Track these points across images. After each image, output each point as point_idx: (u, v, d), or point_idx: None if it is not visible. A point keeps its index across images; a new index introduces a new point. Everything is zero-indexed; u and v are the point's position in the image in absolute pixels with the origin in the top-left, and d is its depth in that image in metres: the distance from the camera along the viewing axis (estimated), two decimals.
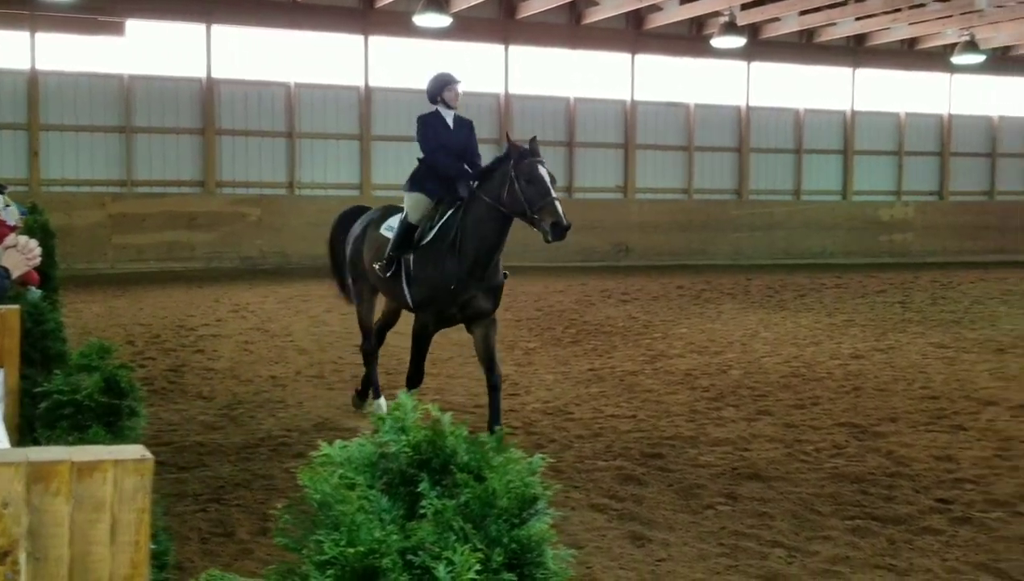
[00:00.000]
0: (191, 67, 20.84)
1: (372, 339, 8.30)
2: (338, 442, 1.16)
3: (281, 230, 21.29)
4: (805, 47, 25.67)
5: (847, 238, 26.26)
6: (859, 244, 26.24)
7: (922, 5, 21.42)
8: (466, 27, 21.92)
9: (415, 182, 7.54)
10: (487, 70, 23.15)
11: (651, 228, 24.43)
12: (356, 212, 8.69)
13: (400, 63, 22.35)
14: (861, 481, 6.35)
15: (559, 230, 6.68)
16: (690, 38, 24.59)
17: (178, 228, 20.59)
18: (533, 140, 7.06)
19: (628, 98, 24.67)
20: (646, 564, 4.87)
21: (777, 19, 23.49)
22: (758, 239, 25.23)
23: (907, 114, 27.48)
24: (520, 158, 6.87)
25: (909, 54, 26.70)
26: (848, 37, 25.44)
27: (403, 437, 1.11)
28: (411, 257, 7.28)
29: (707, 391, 9.22)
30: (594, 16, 23.11)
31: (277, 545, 1.15)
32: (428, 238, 7.21)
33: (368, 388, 8.27)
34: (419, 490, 1.09)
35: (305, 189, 22.01)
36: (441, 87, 7.52)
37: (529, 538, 1.03)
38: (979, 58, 23.17)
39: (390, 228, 7.61)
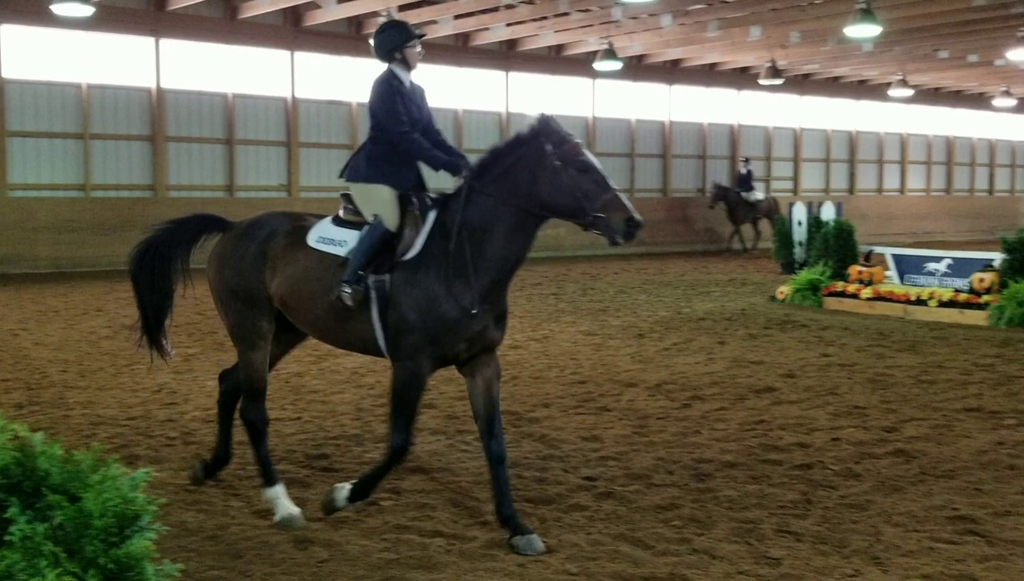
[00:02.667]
0: None
1: (264, 404, 5.93)
2: None
3: None
4: (461, 50, 26.52)
5: None
6: None
7: (566, 14, 22.79)
8: (111, 17, 20.73)
9: (375, 168, 5.59)
10: (137, 63, 22.13)
11: None
12: (201, 223, 6.25)
13: (39, 55, 20.87)
14: (517, 465, 6.66)
15: (635, 228, 5.18)
16: (350, 37, 24.66)
17: None
18: (546, 116, 5.48)
19: (289, 95, 24.36)
20: (308, 567, 4.85)
21: (434, 22, 24.06)
22: None
23: (557, 116, 29.11)
24: (561, 141, 5.31)
25: (557, 60, 28.33)
26: (501, 42, 26.56)
27: None
28: (388, 279, 5.33)
29: (373, 388, 9.30)
30: (250, 11, 22.60)
31: None
32: (416, 250, 5.36)
33: (270, 472, 5.75)
34: (7, 516, 1.03)
35: None
36: (402, 40, 5.71)
37: (128, 556, 1.00)
38: (617, 65, 24.99)
39: (328, 240, 5.61)
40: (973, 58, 28.88)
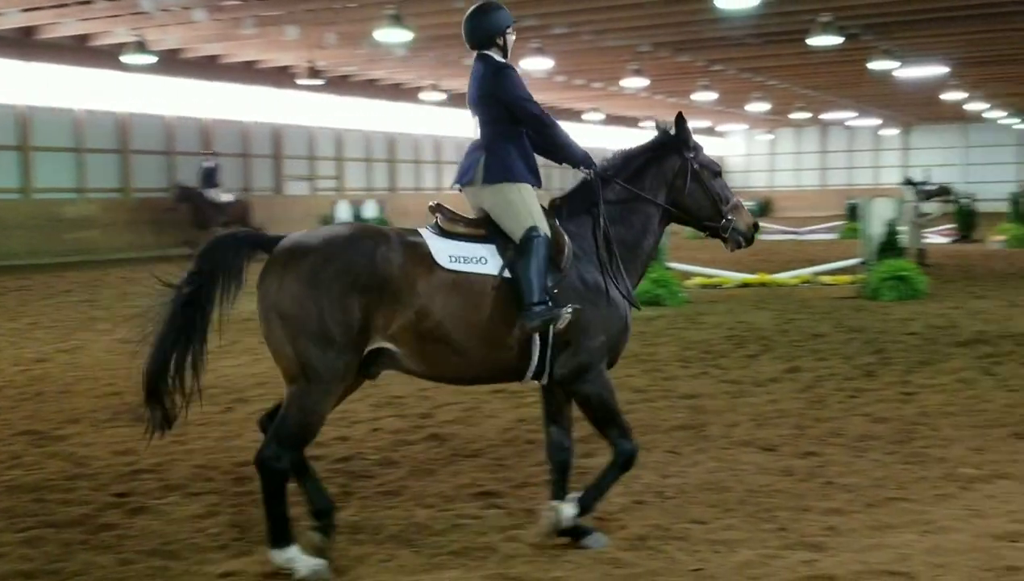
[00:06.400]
0: None
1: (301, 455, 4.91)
2: None
3: None
4: None
5: (30, 238, 25.06)
6: (43, 243, 25.25)
7: (90, 3, 21.34)
8: None
9: (517, 165, 5.02)
10: None
11: None
12: (248, 243, 4.94)
13: None
14: (39, 489, 6.16)
15: (756, 231, 5.45)
16: None
17: None
18: (684, 118, 5.33)
19: None
20: None
21: None
22: None
23: (86, 111, 27.25)
24: (697, 145, 5.33)
25: (83, 51, 26.36)
26: (16, 28, 24.25)
27: None
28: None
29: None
30: None
31: None
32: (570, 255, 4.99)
33: (281, 528, 4.72)
34: None
35: None
36: (506, 25, 5.16)
37: None
38: (150, 59, 23.89)
39: (466, 259, 4.80)
40: None
